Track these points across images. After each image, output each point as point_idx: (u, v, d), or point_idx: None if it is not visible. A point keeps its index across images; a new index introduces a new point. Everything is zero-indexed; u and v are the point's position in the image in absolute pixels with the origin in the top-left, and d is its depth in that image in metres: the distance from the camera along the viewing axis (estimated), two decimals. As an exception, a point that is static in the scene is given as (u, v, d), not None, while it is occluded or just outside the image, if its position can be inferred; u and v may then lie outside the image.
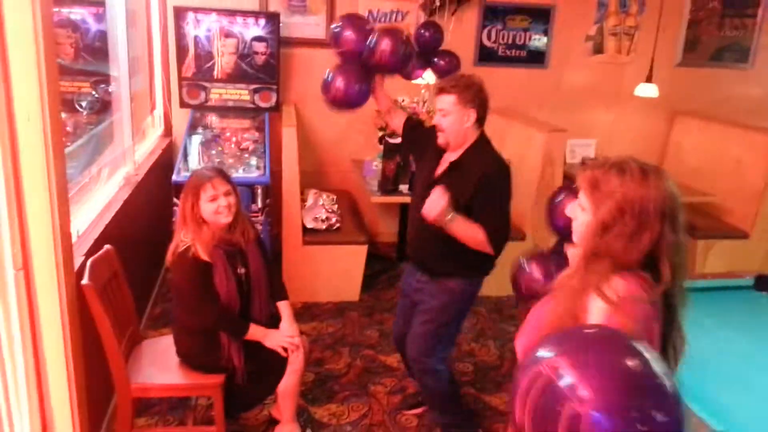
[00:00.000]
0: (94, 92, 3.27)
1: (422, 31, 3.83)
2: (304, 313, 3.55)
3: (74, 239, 2.16)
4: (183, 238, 2.18)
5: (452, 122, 2.20)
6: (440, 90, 2.24)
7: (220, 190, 2.18)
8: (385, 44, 2.40)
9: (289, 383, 2.33)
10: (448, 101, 2.19)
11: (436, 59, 3.83)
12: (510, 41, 4.59)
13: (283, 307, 2.43)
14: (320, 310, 3.65)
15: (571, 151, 4.69)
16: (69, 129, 3.62)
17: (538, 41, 4.63)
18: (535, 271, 1.93)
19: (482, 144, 2.27)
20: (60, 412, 1.95)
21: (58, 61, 1.80)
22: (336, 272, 3.71)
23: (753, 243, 4.12)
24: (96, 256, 2.15)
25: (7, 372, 1.74)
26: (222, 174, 2.25)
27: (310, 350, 2.71)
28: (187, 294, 2.25)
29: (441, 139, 2.26)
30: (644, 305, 1.17)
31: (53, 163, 1.75)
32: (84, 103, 3.56)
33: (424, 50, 3.85)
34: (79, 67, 3.62)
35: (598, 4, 4.66)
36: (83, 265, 2.06)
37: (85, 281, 1.99)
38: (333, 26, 2.62)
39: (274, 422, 2.56)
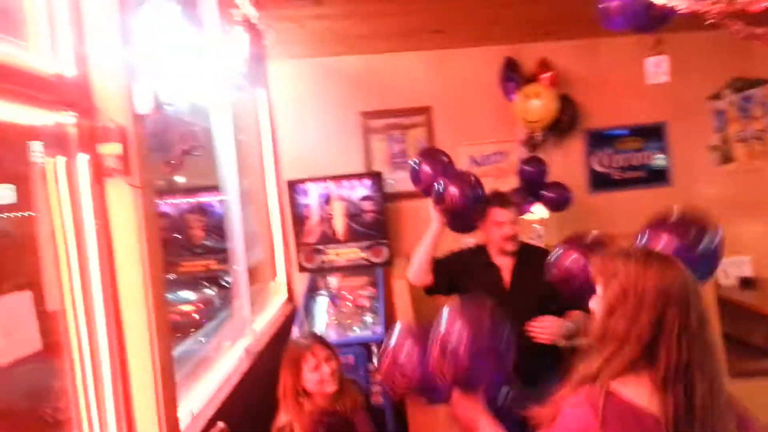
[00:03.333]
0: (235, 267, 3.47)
1: (525, 166, 3.78)
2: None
3: (188, 420, 2.13)
4: (283, 417, 2.06)
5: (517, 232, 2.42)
6: (509, 204, 2.43)
7: (321, 356, 2.09)
8: (453, 190, 2.33)
9: None
10: (515, 213, 2.45)
11: (544, 192, 3.72)
12: (624, 164, 4.38)
13: None
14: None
15: (722, 272, 4.16)
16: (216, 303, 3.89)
17: (657, 159, 4.37)
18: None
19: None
20: None
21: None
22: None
23: None
24: (207, 435, 2.09)
25: None
26: (320, 339, 2.17)
27: None
28: None
29: (513, 246, 2.42)
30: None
31: (158, 355, 1.77)
32: (229, 279, 3.82)
33: (530, 185, 3.77)
34: (210, 245, 3.95)
35: (715, 113, 4.38)
36: (193, 444, 2.00)
37: (193, 466, 1.92)
38: (411, 161, 2.64)
39: None
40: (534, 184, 3.78)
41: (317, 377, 2.07)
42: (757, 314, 3.74)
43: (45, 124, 1.38)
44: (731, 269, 4.12)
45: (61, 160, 1.44)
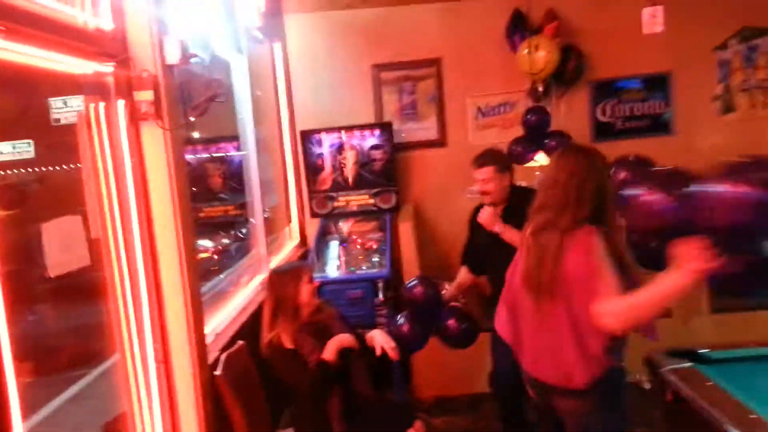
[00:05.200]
0: (248, 219, 3.73)
1: (528, 116, 3.93)
2: (436, 407, 3.51)
3: (212, 337, 2.43)
4: (271, 330, 2.37)
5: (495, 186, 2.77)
6: (483, 164, 2.78)
7: (311, 273, 2.47)
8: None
9: None
10: (490, 171, 2.76)
11: (546, 141, 3.87)
12: (628, 114, 4.50)
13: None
14: (452, 404, 3.57)
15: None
16: (232, 252, 4.18)
17: (659, 108, 4.48)
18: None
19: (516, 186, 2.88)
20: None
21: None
22: (468, 362, 3.63)
23: None
24: (229, 350, 2.38)
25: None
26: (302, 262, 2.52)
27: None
28: (285, 376, 2.39)
29: (489, 200, 2.78)
30: None
31: (187, 275, 2.04)
32: (244, 230, 4.09)
33: (533, 134, 3.93)
34: (228, 192, 4.21)
35: (719, 63, 4.45)
36: (218, 358, 2.30)
37: (218, 372, 2.21)
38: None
39: None
40: (537, 133, 3.93)
41: (311, 288, 2.42)
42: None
43: (87, 73, 1.61)
44: (726, 216, 4.27)
45: (101, 106, 1.68)
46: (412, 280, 2.89)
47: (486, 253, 2.87)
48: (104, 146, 1.72)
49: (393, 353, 2.44)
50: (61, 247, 1.56)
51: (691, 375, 1.82)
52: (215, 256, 4.05)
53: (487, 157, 2.84)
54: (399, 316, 2.84)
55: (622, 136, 4.47)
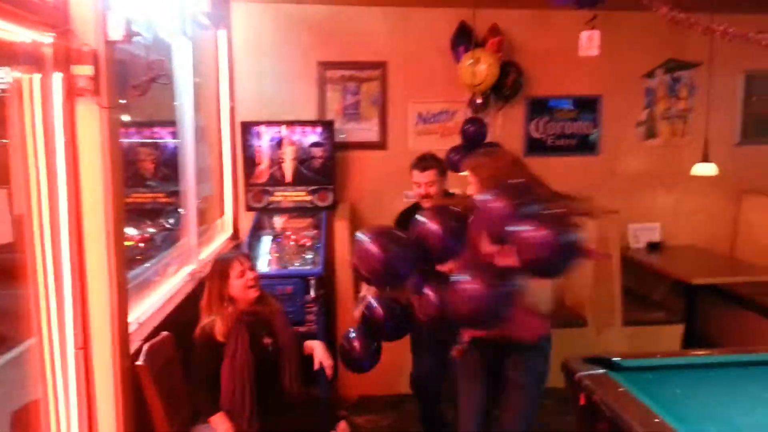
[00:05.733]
0: (178, 208, 3.61)
1: (467, 126, 4.05)
2: (359, 406, 3.54)
3: (135, 326, 2.35)
4: (207, 319, 2.35)
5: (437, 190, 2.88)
6: (424, 167, 2.86)
7: (246, 265, 2.41)
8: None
9: None
10: (431, 174, 2.86)
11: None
12: (559, 132, 4.71)
13: (311, 342, 2.59)
14: (376, 404, 3.62)
15: (634, 236, 4.60)
16: (158, 241, 4.03)
17: (588, 129, 4.71)
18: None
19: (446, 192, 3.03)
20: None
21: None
22: (391, 363, 3.67)
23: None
24: (153, 341, 2.32)
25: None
26: (243, 252, 2.48)
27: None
28: (195, 370, 2.39)
29: (429, 203, 2.81)
30: None
31: (114, 260, 1.98)
32: (172, 220, 3.96)
33: (470, 144, 4.04)
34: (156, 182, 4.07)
35: (646, 90, 4.74)
36: (140, 348, 2.23)
37: (139, 362, 2.15)
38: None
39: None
40: (474, 144, 4.05)
41: (243, 283, 2.39)
42: (658, 274, 4.21)
43: (24, 41, 1.53)
44: (642, 234, 4.56)
45: (36, 77, 1.60)
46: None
47: None
48: (35, 120, 1.64)
49: (329, 371, 2.47)
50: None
51: (603, 381, 1.93)
52: (140, 245, 3.91)
53: (431, 161, 2.91)
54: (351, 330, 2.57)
55: (552, 153, 4.68)
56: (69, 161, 1.77)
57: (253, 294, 2.42)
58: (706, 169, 4.35)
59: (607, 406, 1.76)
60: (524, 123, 4.67)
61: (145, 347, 2.24)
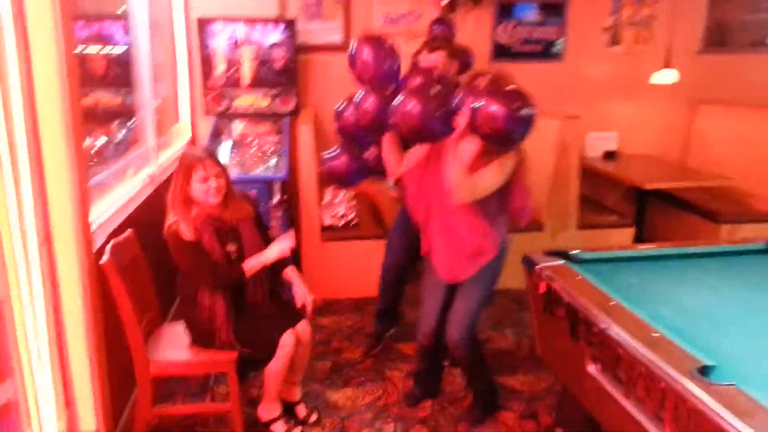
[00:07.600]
0: (134, 111, 3.43)
1: (434, 27, 3.94)
2: (324, 308, 3.63)
3: (95, 225, 2.29)
4: (172, 217, 2.29)
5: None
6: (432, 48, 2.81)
7: (211, 171, 2.28)
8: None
9: (274, 366, 2.38)
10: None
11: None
12: (525, 37, 4.64)
13: (291, 272, 2.53)
14: (340, 306, 3.72)
15: (591, 145, 4.68)
16: (111, 149, 3.84)
17: (554, 35, 4.66)
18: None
19: None
20: (81, 387, 2.07)
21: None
22: (355, 268, 3.77)
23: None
24: (117, 238, 2.28)
25: (30, 347, 1.86)
26: (213, 156, 2.36)
27: (327, 340, 2.78)
28: (180, 264, 2.36)
29: None
30: None
31: (74, 152, 1.90)
32: (129, 123, 3.77)
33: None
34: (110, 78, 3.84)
35: (612, -4, 4.68)
36: (104, 247, 2.19)
37: (104, 260, 2.12)
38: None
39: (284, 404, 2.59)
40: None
41: (204, 188, 2.27)
42: (613, 181, 4.35)
43: None
44: (599, 143, 4.65)
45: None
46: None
47: None
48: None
49: (310, 309, 2.47)
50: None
51: (563, 270, 2.02)
52: (92, 151, 3.74)
53: (440, 41, 2.92)
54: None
55: (518, 59, 4.63)
56: (20, 43, 1.65)
57: (213, 201, 2.30)
58: (666, 77, 4.41)
59: (567, 292, 1.85)
60: (492, 27, 4.57)
61: (110, 244, 2.21)
